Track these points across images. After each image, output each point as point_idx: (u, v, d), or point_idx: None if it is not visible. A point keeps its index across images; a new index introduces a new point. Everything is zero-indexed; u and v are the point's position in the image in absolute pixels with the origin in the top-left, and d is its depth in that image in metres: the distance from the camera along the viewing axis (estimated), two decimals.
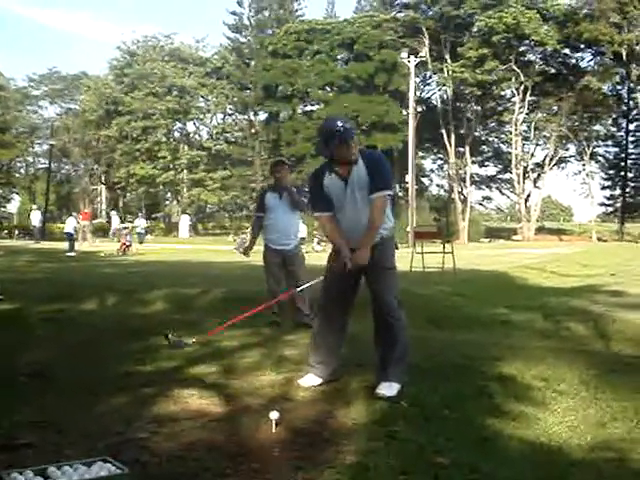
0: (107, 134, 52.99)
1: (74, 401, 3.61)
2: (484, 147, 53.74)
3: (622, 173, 47.97)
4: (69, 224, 23.51)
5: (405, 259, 11.50)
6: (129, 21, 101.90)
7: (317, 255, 16.81)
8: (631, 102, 45.67)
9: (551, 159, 46.50)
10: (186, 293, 8.83)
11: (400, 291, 4.10)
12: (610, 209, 51.98)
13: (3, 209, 58.90)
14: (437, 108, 47.83)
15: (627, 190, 47.86)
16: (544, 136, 47.75)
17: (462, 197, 47.80)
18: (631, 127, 47.65)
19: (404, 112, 43.88)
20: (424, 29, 43.88)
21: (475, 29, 43.86)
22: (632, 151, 48.07)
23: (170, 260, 18.56)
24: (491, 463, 2.76)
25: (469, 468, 2.70)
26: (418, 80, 46.18)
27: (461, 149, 47.87)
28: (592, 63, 45.90)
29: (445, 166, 53.32)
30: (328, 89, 48.37)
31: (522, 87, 43.30)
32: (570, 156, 49.93)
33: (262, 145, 51.79)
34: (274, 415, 3.14)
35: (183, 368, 4.43)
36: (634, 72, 42.02)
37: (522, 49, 44.50)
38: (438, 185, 59.27)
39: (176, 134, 56.80)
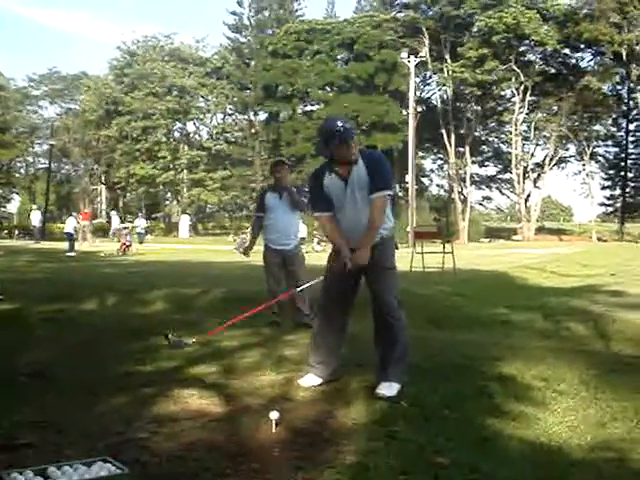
0: (107, 134, 52.99)
1: (74, 401, 3.61)
2: (484, 147, 53.76)
3: (622, 173, 47.98)
4: (69, 224, 23.53)
5: (405, 259, 11.49)
6: (129, 21, 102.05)
7: (317, 255, 16.81)
8: (631, 102, 45.68)
9: (551, 159, 46.52)
10: (186, 293, 8.83)
11: (400, 291, 4.10)
12: (610, 209, 51.99)
13: (3, 209, 58.92)
14: (437, 108, 47.84)
15: (627, 190, 47.87)
16: (544, 136, 47.77)
17: (462, 197, 47.80)
18: (631, 127, 47.72)
19: (404, 112, 43.88)
20: (424, 29, 43.88)
21: (475, 29, 43.86)
22: (632, 151, 48.10)
23: (170, 260, 18.56)
24: (491, 463, 2.76)
25: (469, 468, 2.70)
26: (418, 80, 46.24)
27: (461, 149, 47.87)
28: (592, 63, 46.02)
29: (445, 166, 53.36)
30: (328, 89, 48.37)
31: (522, 87, 43.30)
32: (570, 156, 50.07)
33: (262, 145, 51.79)
34: (274, 415, 3.14)
35: (183, 368, 4.43)
36: (634, 72, 42.02)
37: (522, 49, 44.50)
38: (438, 185, 59.40)
39: (176, 134, 56.86)
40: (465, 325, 7.11)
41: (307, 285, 6.12)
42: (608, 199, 50.61)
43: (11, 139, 53.70)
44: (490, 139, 54.38)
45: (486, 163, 54.61)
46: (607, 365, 4.61)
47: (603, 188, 50.51)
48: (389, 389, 3.74)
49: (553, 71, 46.11)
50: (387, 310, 3.92)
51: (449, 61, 44.62)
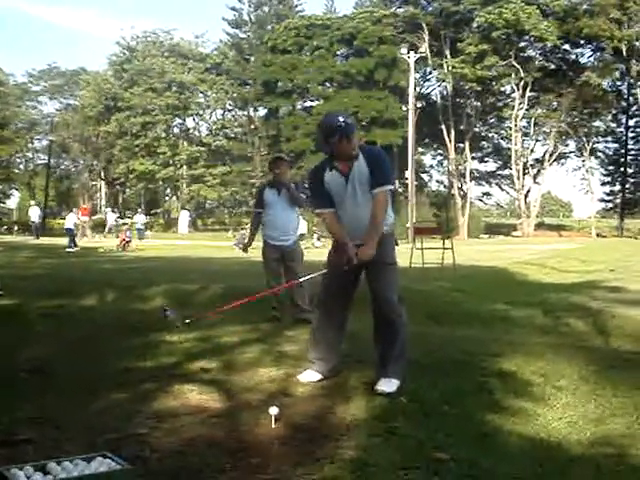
0: (106, 130, 52.96)
1: (74, 397, 3.61)
2: (484, 143, 53.72)
3: (622, 169, 47.90)
4: (69, 220, 23.53)
5: (405, 255, 11.48)
6: (128, 16, 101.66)
7: (317, 251, 16.80)
8: (631, 98, 45.58)
9: (551, 155, 46.48)
10: (185, 289, 8.82)
11: (400, 287, 4.10)
12: (610, 205, 51.87)
13: (3, 205, 58.92)
14: (437, 104, 47.78)
15: (627, 186, 47.79)
16: (544, 132, 47.69)
17: (462, 193, 47.74)
18: (631, 123, 47.58)
19: (404, 108, 43.82)
20: (424, 25, 43.78)
21: (475, 25, 43.72)
22: (632, 147, 47.98)
23: (169, 256, 18.56)
24: (491, 459, 2.76)
25: (469, 464, 2.70)
26: (418, 76, 46.17)
27: (461, 145, 47.80)
28: (592, 59, 45.83)
29: (445, 162, 53.35)
30: (328, 85, 48.30)
31: (522, 83, 43.20)
32: (570, 152, 50.02)
33: (262, 141, 51.73)
34: (274, 411, 3.14)
35: (183, 364, 4.44)
36: (634, 68, 41.93)
37: (522, 45, 44.36)
38: (438, 181, 59.34)
39: (175, 130, 56.80)
40: (465, 321, 7.11)
41: (308, 277, 6.10)
42: (608, 195, 50.59)
43: (10, 135, 53.55)
44: (490, 135, 54.35)
45: (486, 159, 54.64)
46: (606, 361, 4.62)
47: (603, 184, 50.55)
48: (389, 385, 3.74)
49: (553, 67, 46.00)
50: (388, 307, 3.91)
51: (449, 57, 44.51)
